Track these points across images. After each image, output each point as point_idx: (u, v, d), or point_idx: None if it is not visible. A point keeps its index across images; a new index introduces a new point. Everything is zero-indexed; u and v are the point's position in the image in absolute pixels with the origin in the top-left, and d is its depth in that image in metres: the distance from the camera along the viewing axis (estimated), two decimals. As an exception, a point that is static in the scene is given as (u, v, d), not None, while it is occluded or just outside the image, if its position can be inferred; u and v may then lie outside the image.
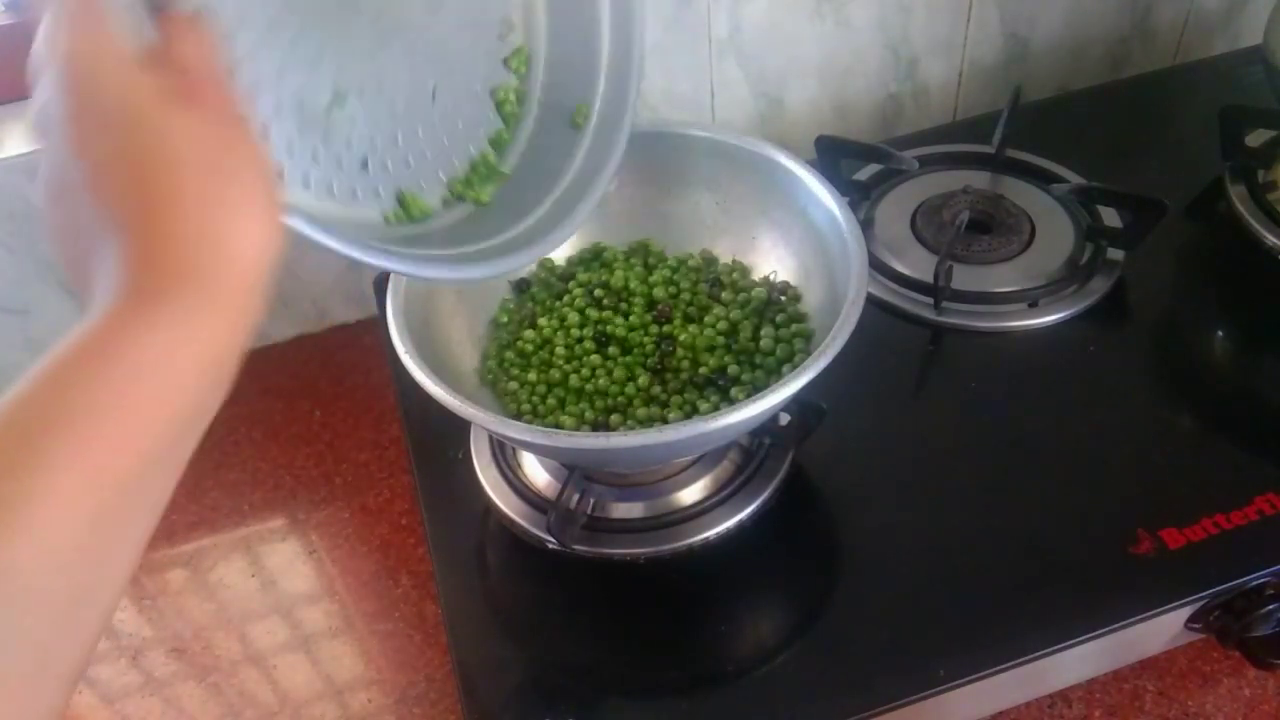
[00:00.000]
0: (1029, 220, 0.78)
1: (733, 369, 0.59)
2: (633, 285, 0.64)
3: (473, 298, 0.64)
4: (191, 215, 0.30)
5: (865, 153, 0.82)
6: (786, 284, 0.63)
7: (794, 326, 0.60)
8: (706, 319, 0.62)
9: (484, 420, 0.50)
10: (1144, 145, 0.87)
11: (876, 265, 0.76)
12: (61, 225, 0.32)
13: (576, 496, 0.58)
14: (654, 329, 0.62)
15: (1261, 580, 0.56)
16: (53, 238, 0.33)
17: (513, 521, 0.61)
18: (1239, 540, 0.57)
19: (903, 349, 0.72)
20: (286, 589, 0.70)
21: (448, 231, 0.49)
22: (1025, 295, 0.73)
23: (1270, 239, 0.73)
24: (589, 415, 0.59)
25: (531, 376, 0.61)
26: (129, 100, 0.30)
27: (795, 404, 0.60)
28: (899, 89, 0.94)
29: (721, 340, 0.61)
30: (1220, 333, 0.73)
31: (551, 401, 0.60)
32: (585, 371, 0.61)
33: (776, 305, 0.62)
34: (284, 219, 0.34)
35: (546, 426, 0.58)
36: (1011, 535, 0.60)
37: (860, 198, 0.81)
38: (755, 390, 0.56)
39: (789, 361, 0.59)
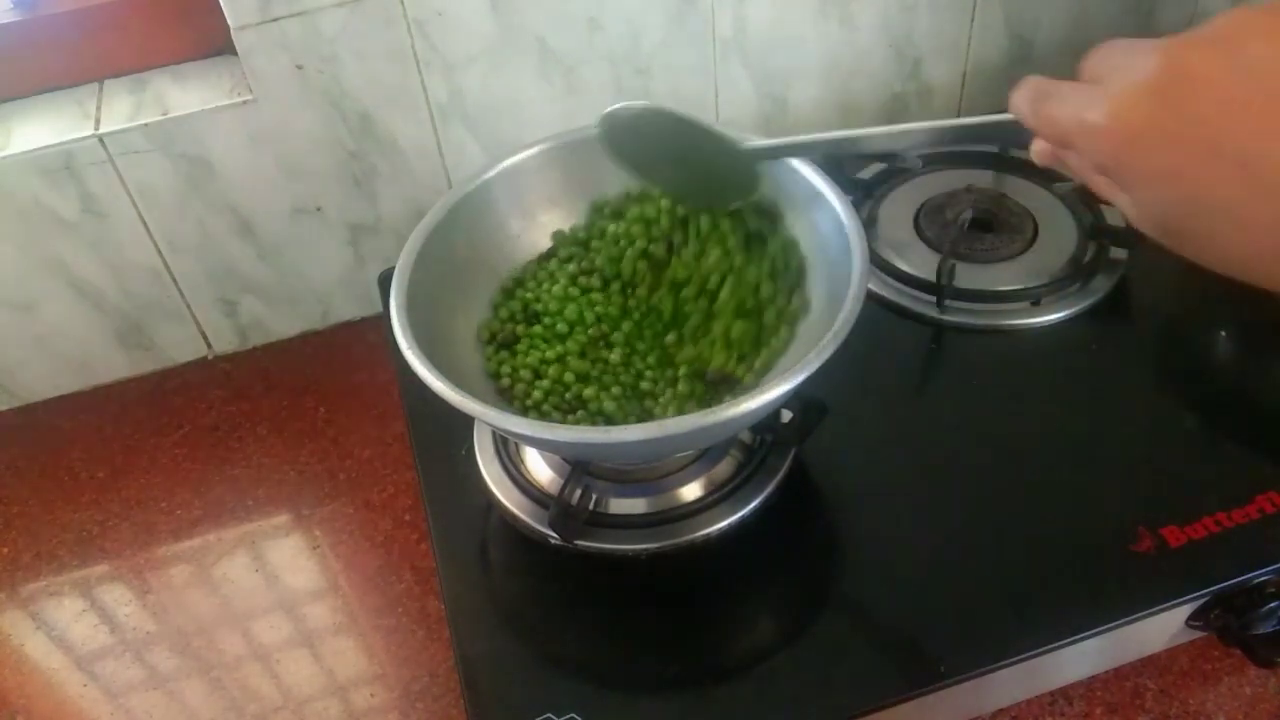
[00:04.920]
0: (1032, 219, 0.78)
1: (730, 365, 0.59)
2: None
3: (477, 295, 0.64)
4: None
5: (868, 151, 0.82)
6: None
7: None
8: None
9: (486, 415, 0.51)
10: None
11: (879, 263, 0.76)
12: None
13: (579, 492, 0.59)
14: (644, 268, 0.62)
15: (1262, 578, 0.56)
16: None
17: (515, 517, 0.61)
18: (1240, 538, 0.57)
19: (905, 347, 0.73)
20: (290, 584, 0.70)
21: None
22: (1028, 294, 0.73)
23: (1273, 239, 0.73)
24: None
25: (524, 374, 0.61)
26: None
27: (797, 401, 0.60)
28: (903, 89, 0.94)
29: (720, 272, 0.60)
30: (1222, 331, 0.73)
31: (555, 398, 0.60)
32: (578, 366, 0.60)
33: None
34: None
35: (549, 421, 0.58)
36: (1012, 533, 0.60)
37: (863, 196, 0.82)
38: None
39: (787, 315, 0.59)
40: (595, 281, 0.63)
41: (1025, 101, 0.39)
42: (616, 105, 0.58)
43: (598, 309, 0.62)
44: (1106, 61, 0.35)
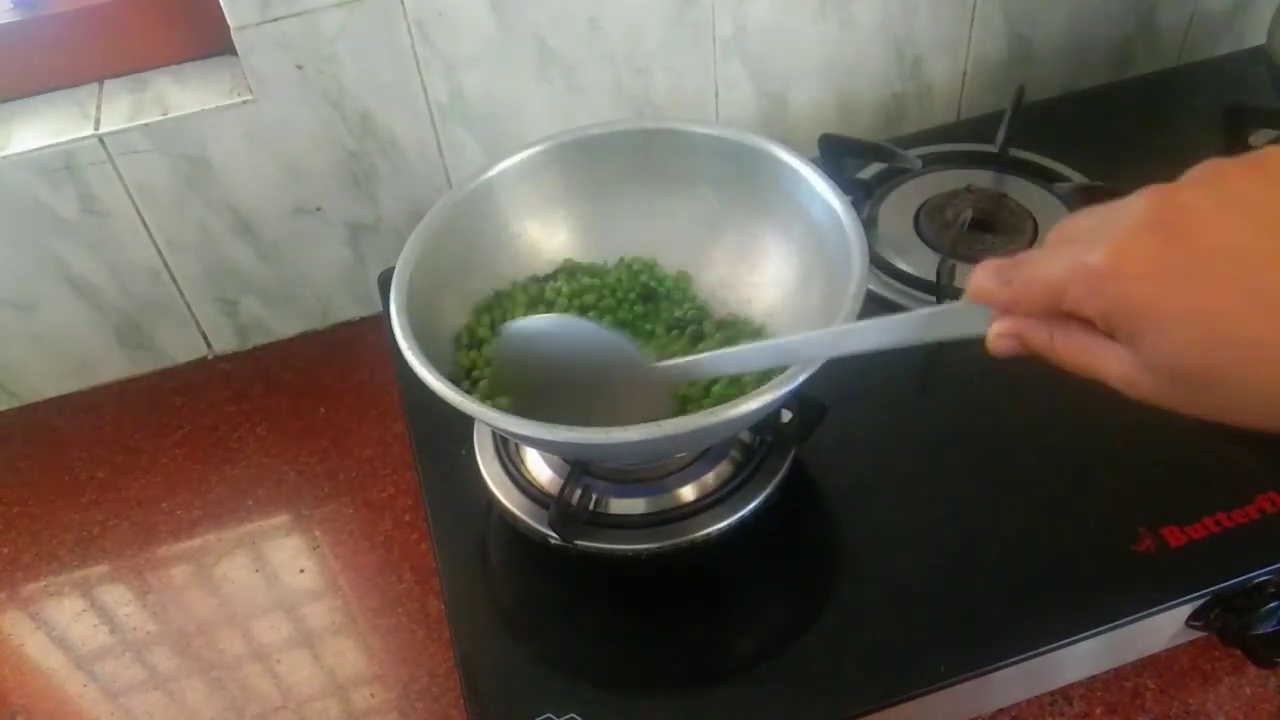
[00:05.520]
0: (1032, 219, 0.78)
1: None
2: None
3: (477, 295, 0.64)
4: None
5: (868, 151, 0.82)
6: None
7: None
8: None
9: (486, 415, 0.51)
10: (1147, 145, 0.87)
11: (879, 263, 0.76)
12: None
13: (578, 492, 0.59)
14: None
15: (1263, 578, 0.56)
16: None
17: (515, 517, 0.61)
18: (1240, 538, 0.57)
19: (905, 347, 0.72)
20: (290, 584, 0.70)
21: None
22: (1028, 294, 0.73)
23: (1273, 238, 0.73)
24: None
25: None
26: None
27: (797, 401, 0.60)
28: (903, 88, 0.94)
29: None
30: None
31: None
32: None
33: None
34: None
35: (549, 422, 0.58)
36: (1013, 532, 0.60)
37: (863, 196, 0.82)
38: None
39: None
40: None
41: (990, 277, 0.37)
42: (515, 322, 0.56)
43: None
44: (1081, 222, 0.35)
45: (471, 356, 0.61)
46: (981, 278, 0.38)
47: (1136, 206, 0.33)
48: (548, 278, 0.66)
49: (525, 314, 0.62)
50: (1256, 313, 0.30)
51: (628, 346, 0.53)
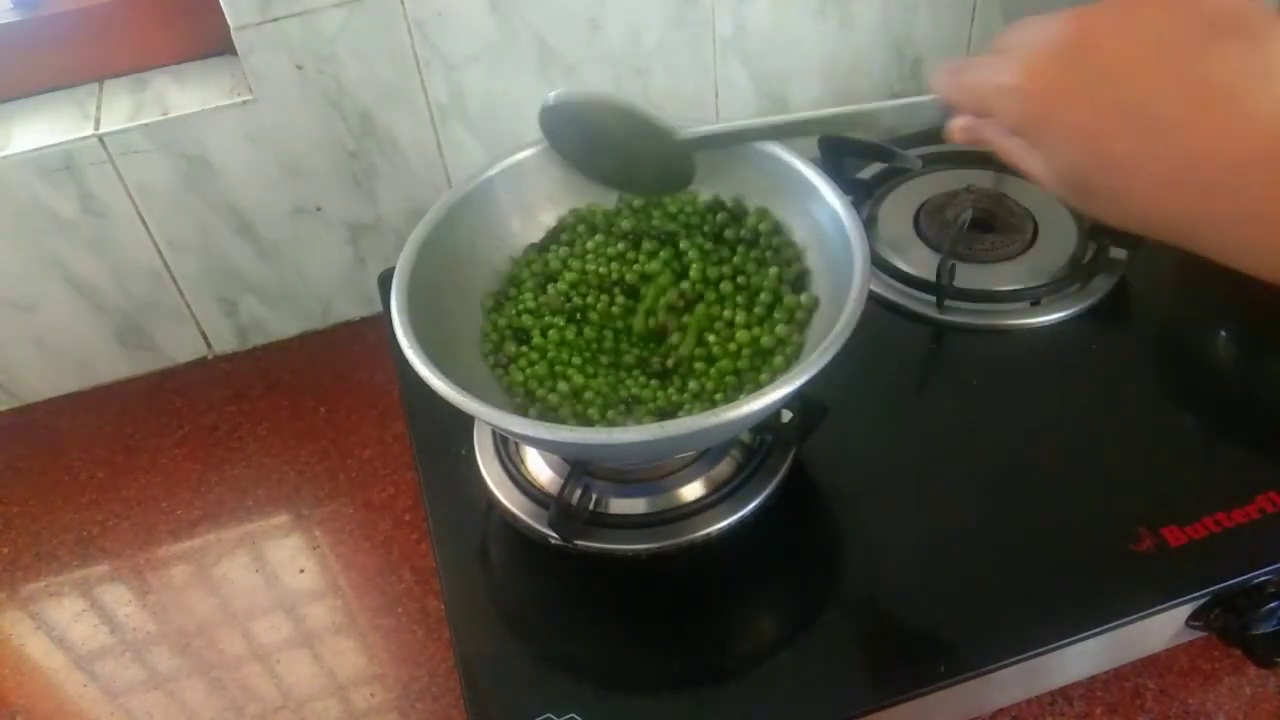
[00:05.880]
0: (1032, 219, 0.78)
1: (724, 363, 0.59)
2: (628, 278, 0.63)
3: (477, 294, 0.64)
4: None
5: (868, 151, 0.82)
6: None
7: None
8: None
9: (486, 415, 0.51)
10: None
11: (879, 263, 0.76)
12: None
13: (579, 492, 0.59)
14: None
15: (1263, 578, 0.56)
16: None
17: (515, 517, 0.61)
18: (1240, 538, 0.57)
19: (905, 347, 0.73)
20: (290, 584, 0.70)
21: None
22: (1028, 294, 0.73)
23: (1273, 238, 0.73)
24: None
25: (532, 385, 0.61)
26: None
27: (797, 401, 0.60)
28: (903, 88, 0.94)
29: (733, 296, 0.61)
30: (1222, 331, 0.73)
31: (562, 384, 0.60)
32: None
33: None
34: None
35: (548, 421, 0.58)
36: (1012, 532, 0.60)
37: (863, 196, 0.82)
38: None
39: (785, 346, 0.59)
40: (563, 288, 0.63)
41: (945, 77, 0.42)
42: (555, 94, 0.60)
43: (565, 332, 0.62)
44: (1016, 35, 0.38)
45: (501, 375, 0.61)
46: (938, 77, 0.43)
47: (1054, 28, 0.36)
48: (545, 245, 0.66)
49: (536, 293, 0.63)
50: (1133, 137, 0.33)
51: (659, 120, 0.58)
